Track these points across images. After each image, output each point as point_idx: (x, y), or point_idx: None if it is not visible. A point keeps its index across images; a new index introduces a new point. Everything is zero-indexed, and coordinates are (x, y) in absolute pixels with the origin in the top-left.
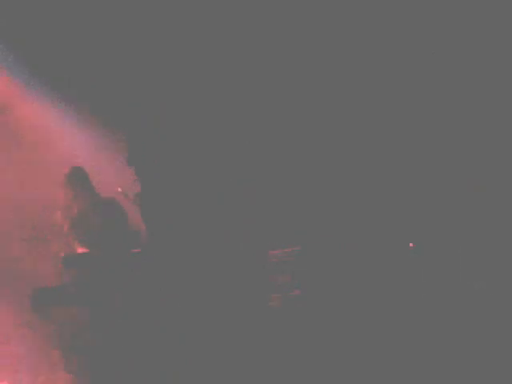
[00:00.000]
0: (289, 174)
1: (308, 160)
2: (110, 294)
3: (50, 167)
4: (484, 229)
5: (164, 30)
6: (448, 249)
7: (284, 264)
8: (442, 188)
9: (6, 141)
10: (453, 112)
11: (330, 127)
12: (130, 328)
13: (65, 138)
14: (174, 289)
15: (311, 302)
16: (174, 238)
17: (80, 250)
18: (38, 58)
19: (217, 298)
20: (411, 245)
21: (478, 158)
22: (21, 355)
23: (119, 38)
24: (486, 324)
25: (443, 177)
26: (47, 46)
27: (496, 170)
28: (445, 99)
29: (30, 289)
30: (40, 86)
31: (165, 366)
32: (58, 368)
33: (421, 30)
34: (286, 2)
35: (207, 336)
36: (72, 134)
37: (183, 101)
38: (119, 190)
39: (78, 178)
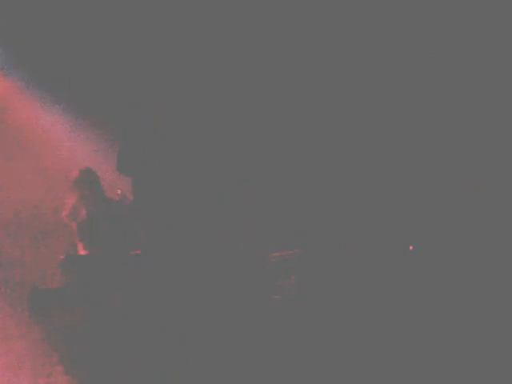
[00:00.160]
0: (289, 174)
1: (308, 160)
2: (109, 294)
3: (50, 168)
4: (484, 229)
5: (164, 30)
6: (448, 249)
7: (284, 265)
8: (442, 188)
9: (5, 142)
10: (453, 112)
11: (331, 128)
12: (129, 328)
13: (64, 139)
14: (174, 289)
15: (311, 302)
16: (173, 238)
17: (83, 252)
18: (36, 58)
19: (217, 299)
20: (411, 247)
21: (478, 158)
22: (20, 356)
23: (119, 39)
24: (486, 324)
25: (443, 177)
26: (46, 46)
27: (496, 170)
28: (445, 99)
29: (30, 289)
30: (39, 86)
31: (165, 366)
32: (58, 369)
33: (421, 30)
34: (286, 2)
35: (207, 336)
36: (71, 135)
37: (183, 101)
38: (119, 191)
39: (87, 180)
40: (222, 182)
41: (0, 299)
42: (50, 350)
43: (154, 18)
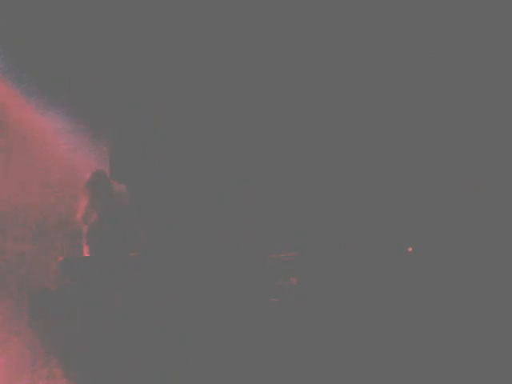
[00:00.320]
0: (289, 174)
1: (308, 161)
2: (110, 295)
3: (49, 169)
4: (484, 229)
5: (164, 30)
6: (447, 250)
7: (284, 265)
8: (441, 188)
9: (5, 142)
10: (453, 112)
11: (331, 128)
12: (130, 329)
13: (63, 139)
14: (174, 289)
15: (311, 303)
16: (173, 238)
17: (87, 254)
18: (36, 58)
19: (216, 299)
20: (410, 249)
21: (478, 158)
22: (20, 357)
23: (118, 39)
24: (484, 325)
25: (443, 177)
26: (46, 46)
27: (496, 170)
28: (445, 99)
29: (30, 290)
30: (38, 87)
31: (165, 366)
32: (58, 370)
33: (421, 30)
34: (285, 2)
35: (207, 336)
36: (70, 135)
37: (183, 101)
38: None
39: (98, 182)
40: (221, 182)
41: None
42: (50, 352)
43: (154, 18)
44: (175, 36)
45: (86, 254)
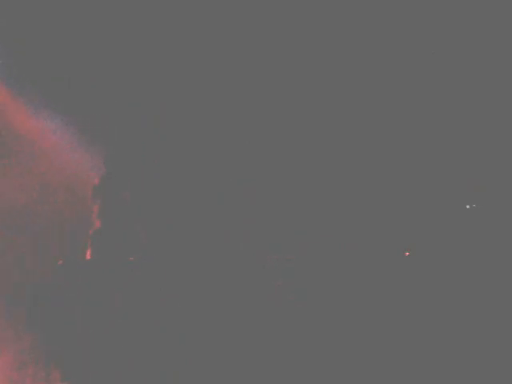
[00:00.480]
0: (289, 175)
1: (308, 161)
2: (110, 295)
3: (49, 170)
4: (484, 229)
5: (164, 30)
6: (447, 250)
7: (284, 266)
8: (441, 188)
9: (3, 143)
10: (453, 112)
11: (331, 129)
12: (130, 329)
13: (63, 139)
14: (174, 289)
15: (310, 303)
16: (173, 238)
17: (89, 257)
18: (36, 58)
19: (216, 299)
20: (407, 253)
21: (478, 158)
22: (19, 358)
23: (118, 39)
24: (483, 326)
25: (443, 177)
26: (46, 47)
27: (496, 170)
28: (445, 99)
29: (29, 291)
30: (38, 87)
31: (165, 366)
32: (58, 370)
33: (421, 30)
34: (286, 2)
35: (207, 336)
36: (70, 135)
37: (183, 101)
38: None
39: (105, 186)
40: (221, 182)
41: None
42: (49, 352)
43: (154, 18)
44: (175, 36)
45: (89, 257)
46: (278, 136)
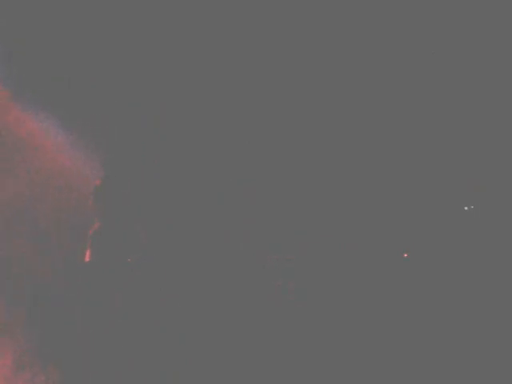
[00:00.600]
0: (289, 175)
1: (308, 161)
2: (110, 295)
3: (49, 171)
4: (484, 229)
5: (164, 30)
6: (447, 251)
7: (284, 265)
8: (441, 188)
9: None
10: (453, 112)
11: (331, 129)
12: (130, 329)
13: (62, 140)
14: (174, 289)
15: (310, 304)
16: (173, 238)
17: (88, 259)
18: (36, 58)
19: (216, 299)
20: (405, 255)
21: (478, 158)
22: (19, 359)
23: (118, 39)
24: (483, 326)
25: (443, 177)
26: (46, 47)
27: (496, 170)
28: (445, 99)
29: (29, 291)
30: (38, 87)
31: (165, 366)
32: (58, 370)
33: (421, 30)
34: (285, 2)
35: (207, 336)
36: (69, 135)
37: (183, 101)
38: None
39: (106, 187)
40: (222, 182)
41: None
42: (49, 352)
43: (154, 18)
44: (175, 36)
45: (88, 257)
46: (278, 136)
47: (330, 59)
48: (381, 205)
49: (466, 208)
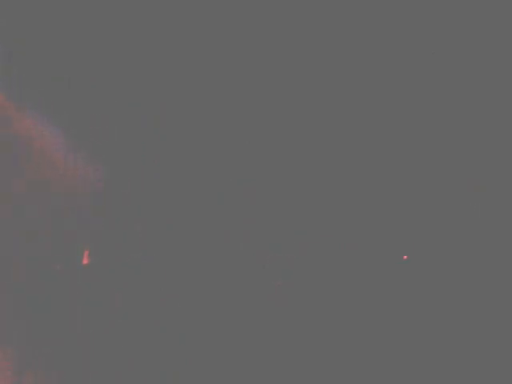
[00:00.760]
0: (288, 174)
1: (308, 161)
2: (109, 295)
3: (48, 172)
4: (484, 229)
5: (164, 30)
6: (447, 251)
7: (284, 266)
8: (441, 189)
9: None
10: (453, 112)
11: (331, 129)
12: (130, 329)
13: (61, 141)
14: (174, 289)
15: (309, 303)
16: (173, 238)
17: (86, 260)
18: (36, 58)
19: (216, 299)
20: (405, 257)
21: (478, 158)
22: (19, 357)
23: (118, 39)
24: (482, 327)
25: (443, 177)
26: (46, 47)
27: (496, 170)
28: (445, 99)
29: (28, 292)
30: (37, 87)
31: (165, 366)
32: (58, 371)
33: (421, 30)
34: (286, 2)
35: (207, 336)
36: (68, 135)
37: (183, 101)
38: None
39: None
40: (222, 182)
41: None
42: (49, 353)
43: (154, 18)
44: (175, 36)
45: (89, 257)
46: (278, 136)
47: (330, 59)
48: (381, 205)
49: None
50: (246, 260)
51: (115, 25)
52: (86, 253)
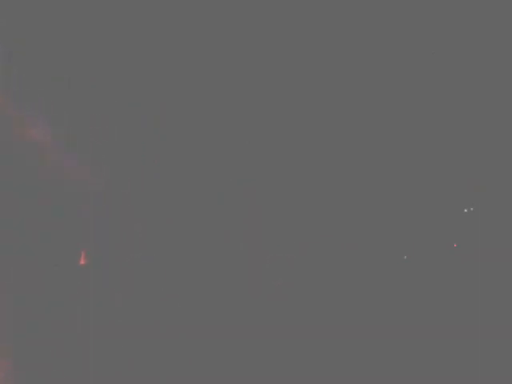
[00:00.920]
0: (288, 174)
1: (308, 161)
2: (109, 295)
3: (48, 171)
4: (484, 229)
5: (164, 30)
6: (446, 251)
7: (284, 265)
8: (441, 189)
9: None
10: (452, 112)
11: (331, 129)
12: (130, 329)
13: (61, 141)
14: (174, 289)
15: (310, 303)
16: (173, 238)
17: (83, 261)
18: (36, 58)
19: (216, 299)
20: (405, 257)
21: (478, 157)
22: (19, 357)
23: (118, 39)
24: (481, 328)
25: (443, 177)
26: (46, 47)
27: (496, 169)
28: (445, 99)
29: (28, 292)
30: (37, 87)
31: (165, 366)
32: (57, 371)
33: (421, 30)
34: (286, 3)
35: (207, 336)
36: (68, 137)
37: (183, 101)
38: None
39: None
40: (222, 182)
41: None
42: (49, 353)
43: (154, 18)
44: (175, 36)
45: (83, 261)
46: (278, 136)
47: (330, 59)
48: (381, 205)
49: (465, 210)
50: (245, 260)
51: (115, 25)
52: (84, 253)
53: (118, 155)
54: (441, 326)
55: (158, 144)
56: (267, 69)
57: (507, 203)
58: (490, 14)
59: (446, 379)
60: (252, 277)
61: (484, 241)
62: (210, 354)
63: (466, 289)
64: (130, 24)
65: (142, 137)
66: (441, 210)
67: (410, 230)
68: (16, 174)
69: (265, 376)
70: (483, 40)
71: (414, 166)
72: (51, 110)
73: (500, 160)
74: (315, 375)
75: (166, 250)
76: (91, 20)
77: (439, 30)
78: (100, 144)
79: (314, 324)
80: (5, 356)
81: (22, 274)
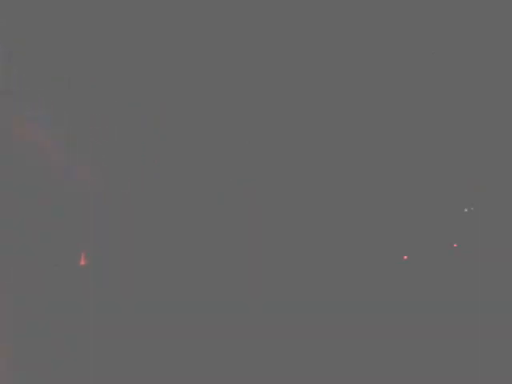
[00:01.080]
0: (288, 174)
1: (308, 161)
2: (110, 294)
3: (47, 171)
4: (484, 229)
5: (164, 30)
6: (446, 251)
7: (283, 265)
8: (441, 189)
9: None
10: (452, 112)
11: (331, 129)
12: (130, 329)
13: (61, 141)
14: (174, 289)
15: (310, 304)
16: (173, 238)
17: (83, 262)
18: (36, 58)
19: (216, 299)
20: (405, 257)
21: (478, 158)
22: (19, 357)
23: (118, 39)
24: (481, 328)
25: (443, 178)
26: (46, 47)
27: (496, 169)
28: (445, 99)
29: (28, 292)
30: (37, 87)
31: (165, 366)
32: (58, 370)
33: (421, 30)
34: (286, 3)
35: (207, 337)
36: (68, 137)
37: (183, 101)
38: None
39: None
40: (222, 182)
41: None
42: (49, 353)
43: (154, 18)
44: (175, 36)
45: (83, 261)
46: (278, 136)
47: (330, 59)
48: (381, 205)
49: (465, 210)
50: (245, 260)
51: (115, 25)
52: (83, 254)
53: (119, 155)
54: (441, 326)
55: (158, 144)
56: (267, 69)
57: (507, 203)
58: (490, 14)
59: (446, 379)
60: (252, 277)
61: (484, 241)
62: (210, 353)
63: (466, 289)
64: (129, 24)
65: (142, 137)
66: (441, 209)
67: (410, 229)
68: (16, 174)
69: (265, 376)
70: (483, 40)
71: (413, 166)
72: (51, 110)
73: (500, 160)
74: (315, 375)
75: (166, 250)
76: (91, 20)
77: (439, 30)
78: (100, 144)
79: (314, 324)
80: (5, 356)
81: (22, 274)
